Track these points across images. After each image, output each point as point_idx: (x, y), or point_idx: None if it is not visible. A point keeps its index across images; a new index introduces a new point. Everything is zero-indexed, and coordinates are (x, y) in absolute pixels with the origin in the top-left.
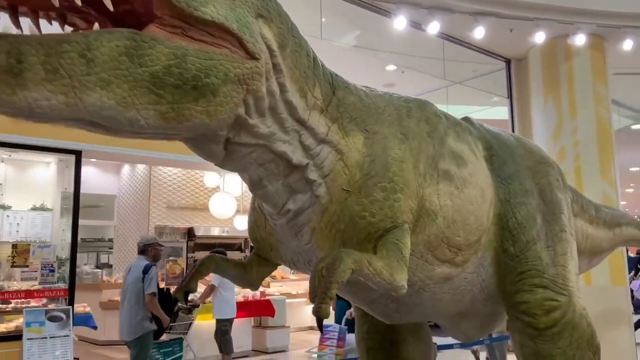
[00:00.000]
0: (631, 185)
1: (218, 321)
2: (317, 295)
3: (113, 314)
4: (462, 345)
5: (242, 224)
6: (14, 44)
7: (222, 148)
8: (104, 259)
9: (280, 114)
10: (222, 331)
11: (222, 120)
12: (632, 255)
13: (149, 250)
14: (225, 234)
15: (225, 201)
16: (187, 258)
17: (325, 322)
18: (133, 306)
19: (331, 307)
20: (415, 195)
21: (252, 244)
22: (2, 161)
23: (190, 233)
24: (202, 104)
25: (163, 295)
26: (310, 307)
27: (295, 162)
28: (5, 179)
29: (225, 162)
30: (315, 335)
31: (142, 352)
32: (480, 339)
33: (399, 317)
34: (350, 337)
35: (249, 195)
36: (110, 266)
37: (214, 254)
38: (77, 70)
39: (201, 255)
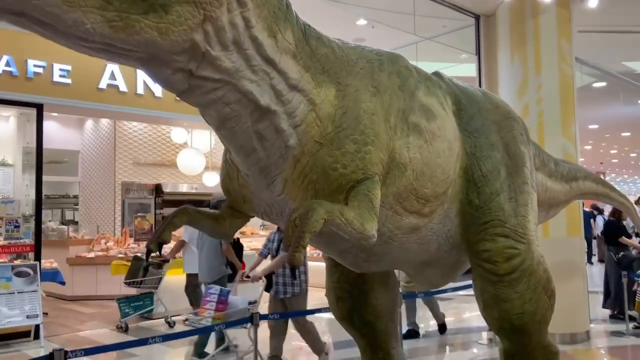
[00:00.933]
0: (589, 142)
1: (188, 276)
2: (290, 245)
3: (80, 269)
4: (426, 294)
5: (211, 181)
6: None
7: (184, 79)
8: (69, 215)
9: (246, 50)
10: (193, 285)
11: (176, 43)
12: (586, 209)
13: (221, 205)
14: (194, 191)
15: (193, 157)
16: (155, 214)
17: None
18: (212, 254)
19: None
20: (386, 147)
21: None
22: None
23: (158, 189)
24: (153, 18)
25: (233, 245)
26: None
27: (262, 103)
28: None
29: (188, 95)
30: None
31: None
32: (444, 286)
33: (369, 266)
34: (234, 300)
35: (218, 151)
36: (76, 223)
37: (187, 206)
38: None
39: (169, 211)
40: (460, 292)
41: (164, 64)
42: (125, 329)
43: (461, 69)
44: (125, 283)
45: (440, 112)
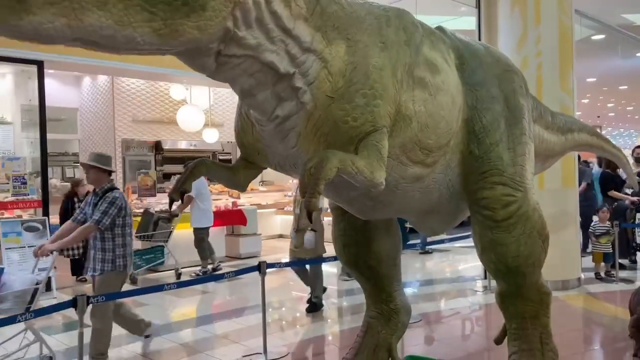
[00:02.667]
0: (587, 95)
1: (195, 230)
2: (307, 191)
3: None
4: (425, 245)
5: (210, 137)
6: None
7: (214, 60)
8: (69, 173)
9: (267, 25)
10: (199, 239)
11: (212, 34)
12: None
13: None
14: (193, 147)
15: (193, 114)
16: (156, 171)
17: None
18: None
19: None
20: (393, 101)
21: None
22: None
23: (157, 146)
24: (193, 19)
25: None
26: (279, 217)
27: (282, 71)
28: None
29: (217, 73)
30: (284, 242)
31: None
32: (445, 232)
33: (374, 214)
34: (11, 280)
35: (218, 108)
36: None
37: (205, 158)
38: None
39: (170, 168)
40: (457, 244)
41: (199, 52)
42: (134, 280)
43: (461, 22)
44: (137, 236)
45: (443, 66)
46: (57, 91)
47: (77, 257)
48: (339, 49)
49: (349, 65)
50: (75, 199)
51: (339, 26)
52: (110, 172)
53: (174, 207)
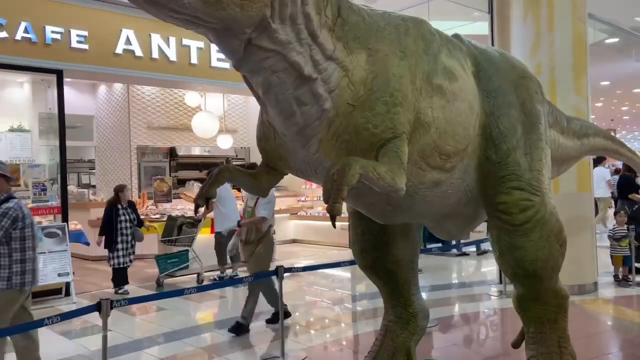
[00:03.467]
0: (601, 99)
1: (215, 234)
2: (330, 196)
3: None
4: (441, 250)
5: (224, 143)
6: None
7: (243, 47)
8: (85, 179)
9: (299, 24)
10: (217, 243)
11: (251, 17)
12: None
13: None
14: (207, 153)
15: (207, 120)
16: (171, 177)
17: None
18: None
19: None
20: (413, 108)
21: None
22: None
23: (172, 153)
24: None
25: None
26: (293, 222)
27: (306, 73)
28: None
29: (243, 61)
30: (298, 247)
31: None
32: (462, 237)
33: (393, 218)
34: None
35: (232, 115)
36: (94, 186)
37: (228, 164)
38: None
39: (184, 174)
40: (472, 249)
41: (234, 35)
42: (160, 284)
43: (474, 28)
44: (162, 241)
45: (461, 73)
46: (74, 99)
47: None
48: (360, 58)
49: (369, 74)
50: (119, 206)
51: (360, 36)
52: (8, 179)
53: (200, 212)
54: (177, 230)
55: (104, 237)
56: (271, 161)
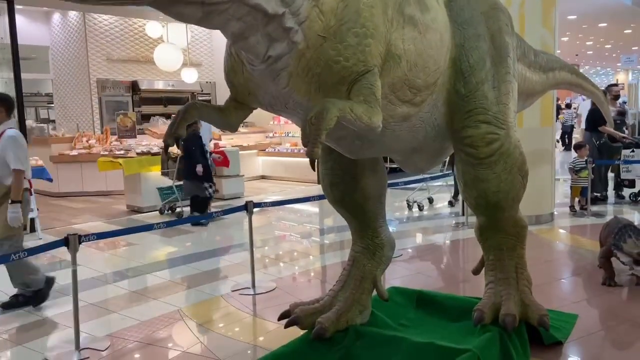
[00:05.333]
0: (567, 33)
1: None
2: (309, 141)
3: (65, 167)
4: (406, 184)
5: (189, 77)
6: None
7: (195, 8)
8: (43, 114)
9: None
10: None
11: None
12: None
13: None
14: (171, 88)
15: (170, 53)
16: (134, 112)
17: None
18: None
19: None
20: (384, 40)
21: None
22: None
23: (134, 87)
24: None
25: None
26: (261, 158)
27: (270, 11)
28: None
29: (204, 21)
30: (266, 183)
31: None
32: (429, 170)
33: (362, 153)
34: None
35: (196, 47)
36: (53, 121)
37: (196, 101)
38: None
39: (148, 109)
40: (434, 183)
41: (186, 2)
42: (162, 212)
43: None
44: (162, 173)
45: (433, 4)
46: (27, 28)
47: None
48: None
49: (340, 4)
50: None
51: None
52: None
53: (172, 150)
54: (167, 163)
55: (201, 166)
56: (240, 96)
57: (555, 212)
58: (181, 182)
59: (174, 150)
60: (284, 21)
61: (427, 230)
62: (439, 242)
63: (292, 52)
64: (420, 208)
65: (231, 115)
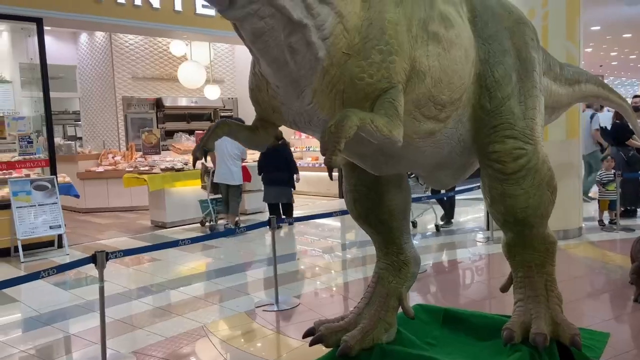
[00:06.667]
0: (590, 44)
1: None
2: (327, 148)
3: (91, 183)
4: (429, 197)
5: (212, 94)
6: None
7: None
8: (70, 131)
9: None
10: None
11: None
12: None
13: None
14: (194, 104)
15: (193, 70)
16: (158, 129)
17: None
18: None
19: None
20: (408, 57)
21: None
22: None
23: (158, 104)
24: None
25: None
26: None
27: (295, 18)
28: None
29: (228, 10)
30: None
31: None
32: (454, 185)
33: (386, 169)
34: None
35: (218, 64)
36: (80, 138)
37: (227, 118)
38: None
39: (172, 125)
40: (459, 197)
41: None
42: (203, 224)
43: None
44: (202, 187)
45: (457, 20)
46: (55, 48)
47: None
48: (354, 4)
49: (364, 21)
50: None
51: None
52: None
53: (198, 165)
54: (204, 177)
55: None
56: (264, 113)
57: (584, 227)
58: (217, 196)
59: (209, 164)
60: (309, 34)
61: (452, 245)
62: (464, 257)
63: (316, 68)
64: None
65: (259, 135)
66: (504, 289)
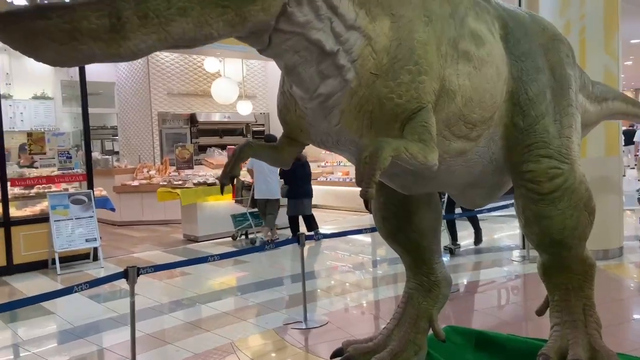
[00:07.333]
0: (630, 57)
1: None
2: (363, 180)
3: (126, 197)
4: (461, 215)
5: (244, 109)
6: (112, 4)
7: (268, 37)
8: (108, 146)
9: (316, 2)
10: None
11: (274, 13)
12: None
13: (274, 139)
14: (226, 119)
15: (227, 86)
16: (192, 144)
17: None
18: None
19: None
20: (438, 76)
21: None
22: (6, 50)
23: (192, 119)
24: (258, 3)
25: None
26: (313, 187)
27: (328, 49)
28: (11, 69)
29: (267, 49)
30: (318, 213)
31: None
32: (486, 205)
33: (416, 189)
34: None
35: (251, 80)
36: (117, 153)
37: (250, 140)
38: (160, 8)
39: (205, 140)
40: (493, 214)
41: (263, 30)
42: (235, 238)
43: None
44: (235, 201)
45: (488, 37)
46: (95, 66)
47: None
48: (383, 25)
49: (393, 42)
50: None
51: (383, 2)
52: None
53: (245, 179)
54: (241, 191)
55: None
56: (292, 132)
57: (625, 246)
58: (254, 209)
59: (247, 178)
60: (338, 59)
61: (485, 264)
62: (497, 277)
63: (344, 89)
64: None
65: (284, 152)
66: (540, 312)
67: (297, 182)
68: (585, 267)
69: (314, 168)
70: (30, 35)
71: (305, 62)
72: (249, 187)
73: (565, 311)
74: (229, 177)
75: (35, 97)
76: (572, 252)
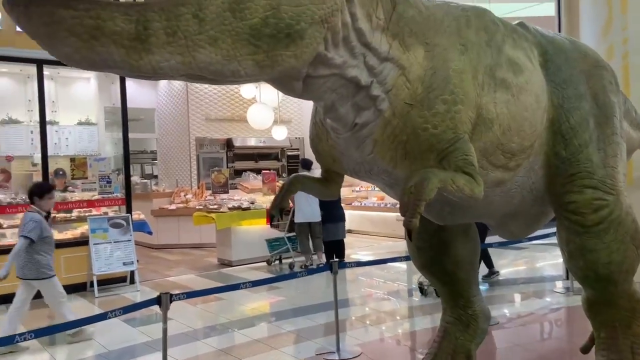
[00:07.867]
0: None
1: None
2: (407, 210)
3: (163, 220)
4: (501, 245)
5: (279, 134)
6: (142, 12)
7: (301, 82)
8: (147, 170)
9: (352, 42)
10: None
11: (307, 60)
12: None
13: (308, 162)
14: (262, 144)
15: (262, 112)
16: (228, 168)
17: None
18: None
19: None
20: (474, 105)
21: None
22: (52, 79)
23: (229, 144)
24: (292, 48)
25: None
26: (347, 212)
27: (363, 83)
28: (57, 96)
29: (304, 94)
30: (352, 238)
31: None
32: (526, 236)
33: (452, 219)
34: None
35: (286, 106)
36: (156, 177)
37: (299, 174)
38: (191, 31)
39: (241, 165)
40: (535, 242)
41: (294, 78)
42: (270, 263)
43: (540, 9)
44: (271, 226)
45: (527, 65)
46: (137, 93)
47: None
48: (417, 54)
49: (428, 71)
50: None
51: (417, 31)
52: None
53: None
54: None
55: None
56: (325, 162)
57: None
58: (292, 234)
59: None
60: (371, 90)
61: (525, 295)
62: (539, 310)
63: (378, 119)
64: (424, 293)
65: (330, 185)
66: (585, 350)
67: (332, 205)
68: (633, 303)
69: (348, 192)
70: (51, 23)
71: (341, 98)
72: (288, 211)
73: (612, 349)
74: (278, 209)
75: (80, 123)
76: (619, 287)
